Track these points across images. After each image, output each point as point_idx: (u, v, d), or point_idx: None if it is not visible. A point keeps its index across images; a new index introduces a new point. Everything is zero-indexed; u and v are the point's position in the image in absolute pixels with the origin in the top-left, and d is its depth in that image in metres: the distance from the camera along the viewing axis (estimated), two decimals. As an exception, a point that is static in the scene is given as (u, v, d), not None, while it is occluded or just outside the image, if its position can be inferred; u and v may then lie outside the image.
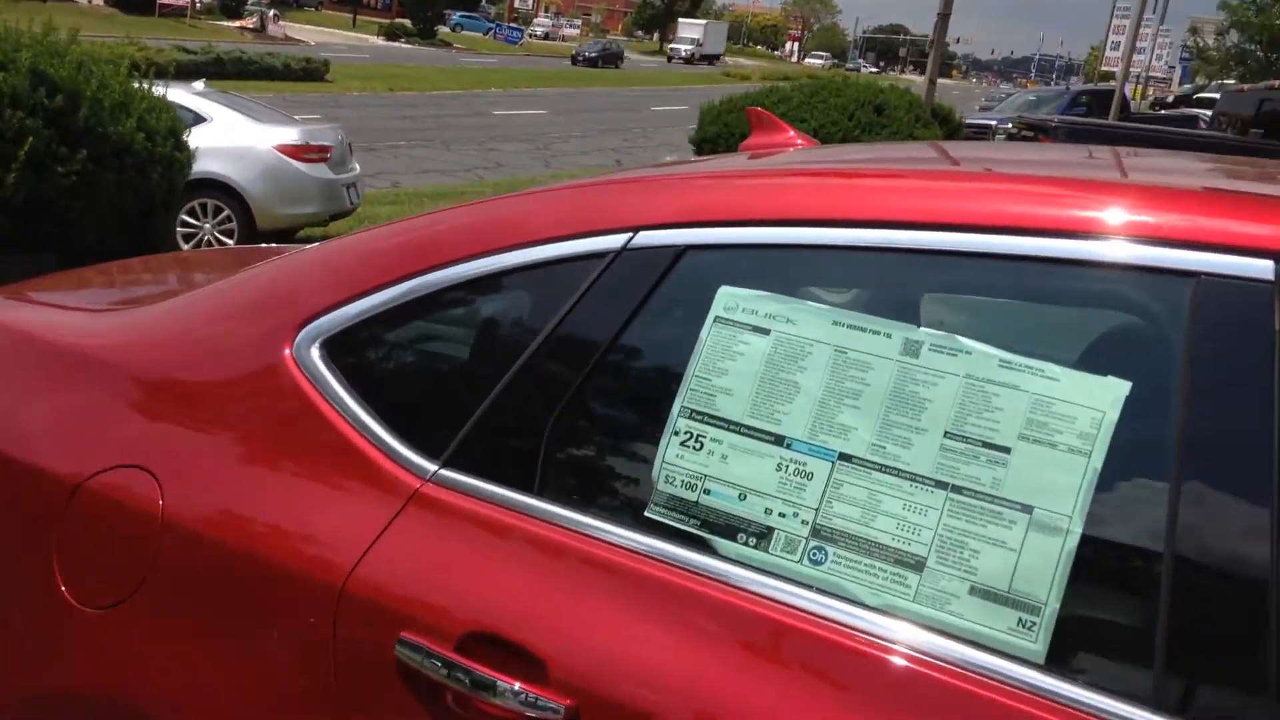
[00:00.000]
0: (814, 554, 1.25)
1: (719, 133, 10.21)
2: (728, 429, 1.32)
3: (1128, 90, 22.23)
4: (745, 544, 1.28)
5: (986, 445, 1.21)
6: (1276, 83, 13.01)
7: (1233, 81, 29.36)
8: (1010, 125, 14.29)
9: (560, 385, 1.41)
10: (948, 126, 13.60)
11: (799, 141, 2.14)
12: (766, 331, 1.34)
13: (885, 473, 1.24)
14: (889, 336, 1.28)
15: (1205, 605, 1.10)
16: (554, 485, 1.39)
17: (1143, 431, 1.17)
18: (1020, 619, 1.15)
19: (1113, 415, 1.16)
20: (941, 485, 1.21)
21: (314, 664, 1.40)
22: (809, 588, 1.24)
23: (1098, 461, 1.15)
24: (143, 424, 1.64)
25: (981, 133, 17.24)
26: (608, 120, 24.29)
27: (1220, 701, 1.10)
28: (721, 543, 1.29)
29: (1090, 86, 26.86)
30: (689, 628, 1.25)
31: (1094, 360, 1.22)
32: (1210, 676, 1.10)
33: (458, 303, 1.55)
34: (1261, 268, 1.15)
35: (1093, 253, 1.23)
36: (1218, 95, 18.00)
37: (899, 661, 1.17)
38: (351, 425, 1.49)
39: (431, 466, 1.43)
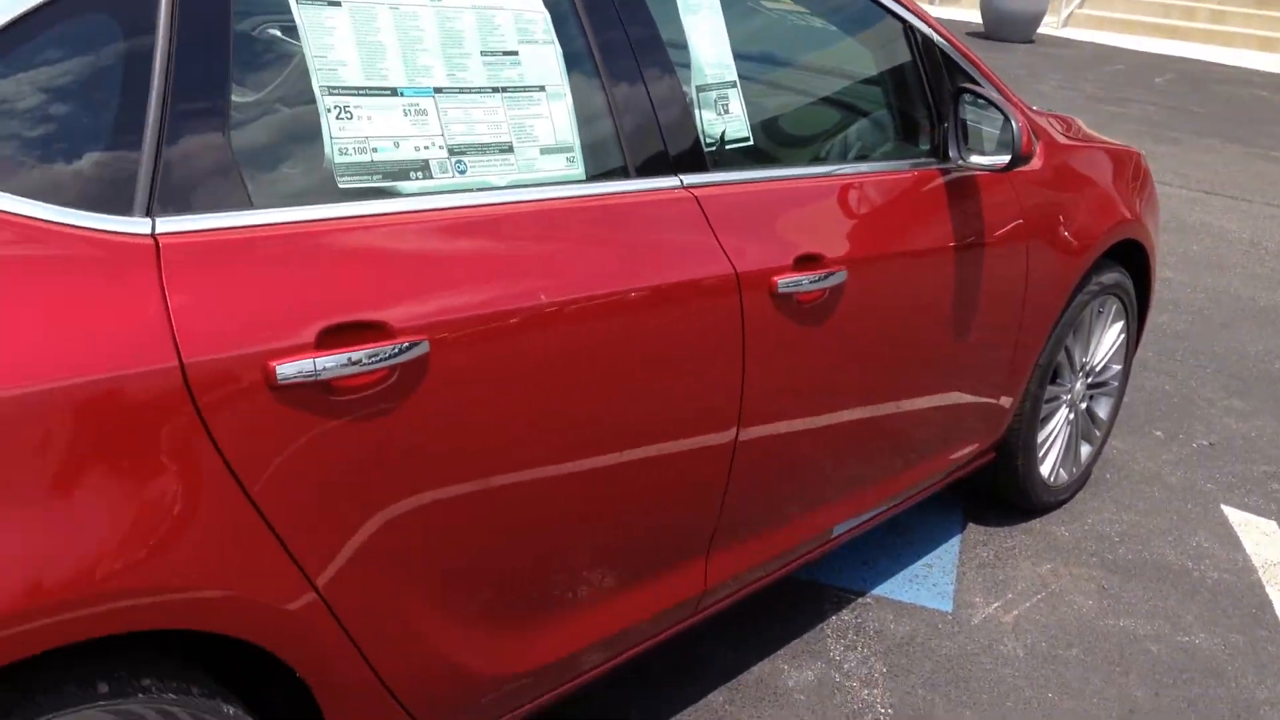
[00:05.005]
0: (459, 167, 1.65)
1: None
2: (360, 94, 1.53)
3: None
4: (418, 178, 1.59)
5: (505, 54, 1.70)
6: None
7: None
8: None
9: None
10: None
11: None
12: (338, 4, 1.52)
13: (465, 93, 1.64)
14: None
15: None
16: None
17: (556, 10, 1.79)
18: (567, 158, 1.78)
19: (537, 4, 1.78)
20: (496, 90, 1.70)
21: None
22: (470, 191, 1.64)
23: (560, 47, 1.77)
24: None
25: None
26: None
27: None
28: (404, 185, 1.57)
29: None
30: (438, 248, 1.58)
31: None
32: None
33: None
34: None
35: None
36: None
37: (532, 208, 1.70)
38: None
39: None
